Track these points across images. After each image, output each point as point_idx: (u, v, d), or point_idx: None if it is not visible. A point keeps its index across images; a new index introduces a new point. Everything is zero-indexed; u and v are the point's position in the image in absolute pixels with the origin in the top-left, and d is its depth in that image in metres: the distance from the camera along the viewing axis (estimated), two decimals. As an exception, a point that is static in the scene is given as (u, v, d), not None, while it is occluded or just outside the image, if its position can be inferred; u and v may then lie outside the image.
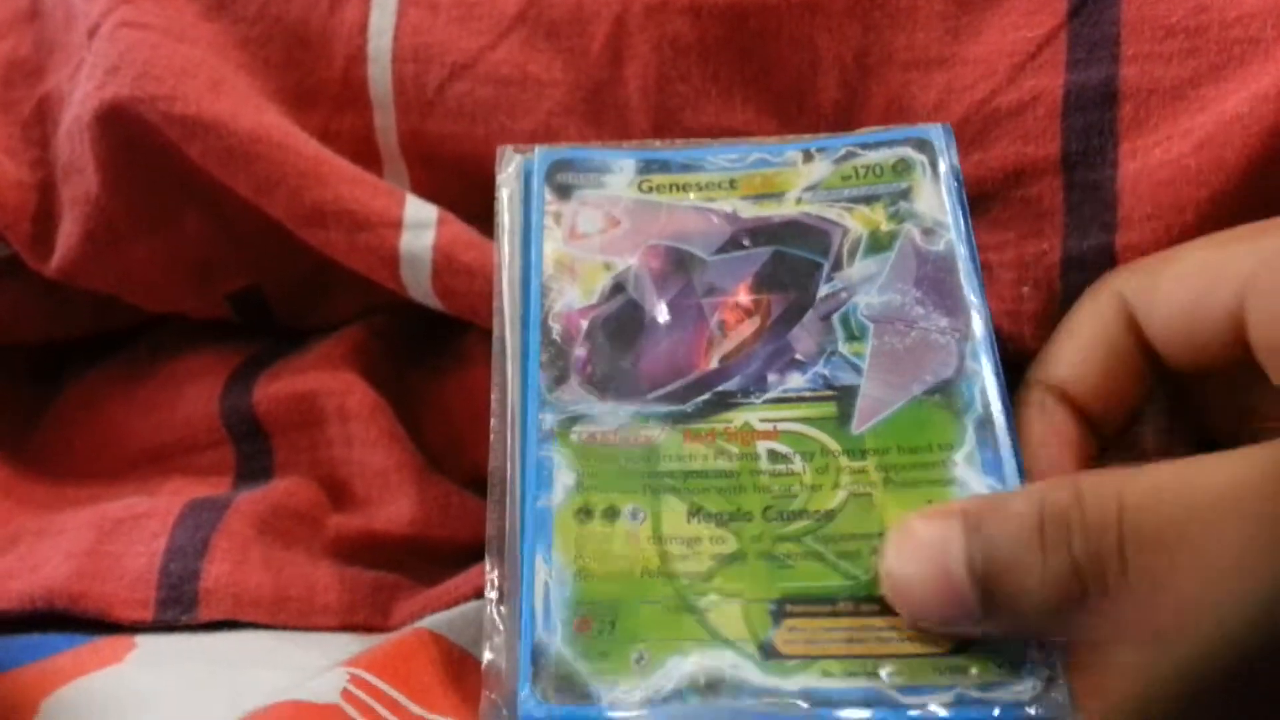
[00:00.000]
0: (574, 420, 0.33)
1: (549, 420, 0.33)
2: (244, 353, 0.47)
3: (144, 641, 0.37)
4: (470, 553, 0.36)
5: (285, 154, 0.41)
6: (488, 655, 0.31)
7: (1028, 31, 0.38)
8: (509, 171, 0.38)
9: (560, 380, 0.34)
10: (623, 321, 0.35)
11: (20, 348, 0.49)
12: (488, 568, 0.32)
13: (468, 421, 0.42)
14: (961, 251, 0.35)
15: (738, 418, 0.33)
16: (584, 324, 0.35)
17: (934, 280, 0.35)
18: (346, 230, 0.41)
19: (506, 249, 0.37)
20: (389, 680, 0.32)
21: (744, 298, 0.36)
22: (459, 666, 0.34)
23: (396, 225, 0.41)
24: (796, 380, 0.34)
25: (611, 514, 0.32)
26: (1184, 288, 0.31)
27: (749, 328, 0.35)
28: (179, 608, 0.38)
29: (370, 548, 0.41)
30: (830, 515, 0.32)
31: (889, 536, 0.30)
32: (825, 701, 0.29)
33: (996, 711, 0.28)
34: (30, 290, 0.47)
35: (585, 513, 0.32)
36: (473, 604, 0.36)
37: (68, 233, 0.44)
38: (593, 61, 0.41)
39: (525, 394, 0.34)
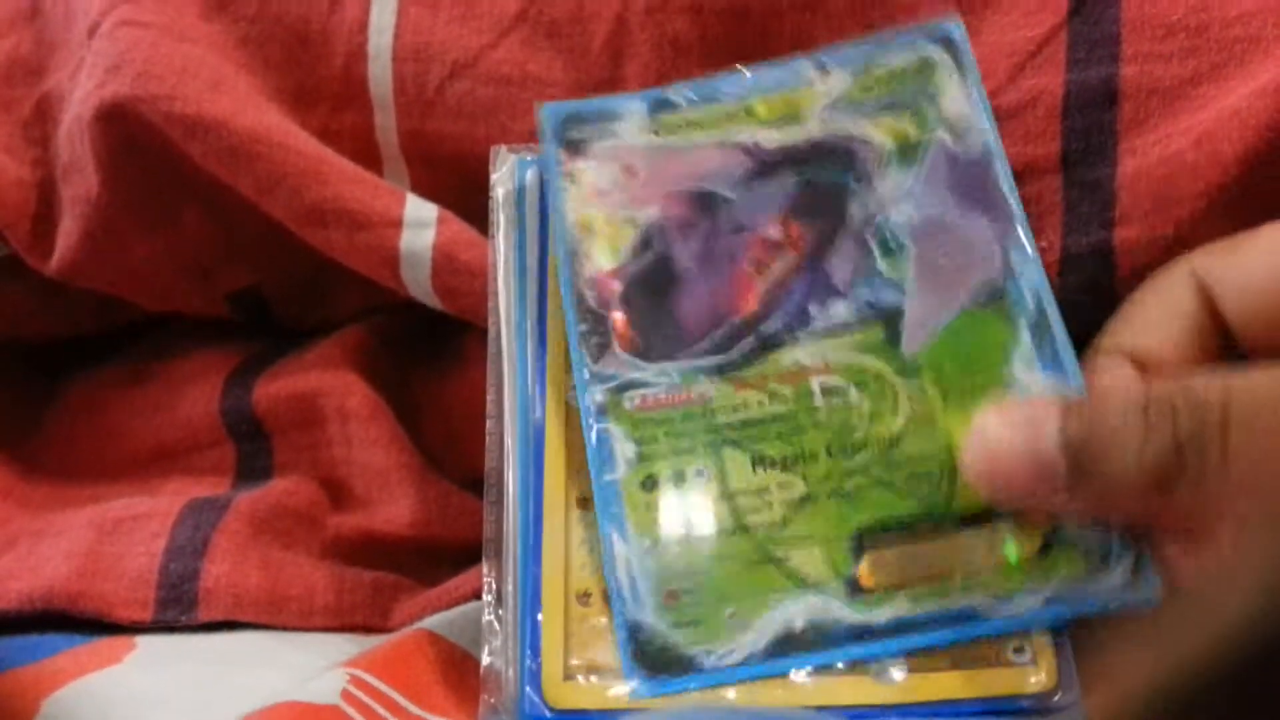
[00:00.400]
0: (624, 389, 0.33)
1: (599, 394, 0.33)
2: (244, 352, 0.47)
3: (143, 642, 0.37)
4: (470, 553, 0.36)
5: (285, 153, 0.41)
6: (486, 658, 0.31)
7: (1028, 31, 0.37)
8: (503, 171, 0.38)
9: (603, 349, 0.33)
10: (656, 277, 0.34)
11: (20, 347, 0.49)
12: (485, 570, 0.32)
13: (467, 421, 0.42)
14: (995, 148, 0.35)
15: (786, 357, 0.33)
16: (617, 286, 0.34)
17: (969, 183, 0.34)
18: (347, 229, 0.41)
19: (502, 248, 0.37)
20: (388, 681, 0.32)
21: (775, 231, 0.35)
22: (459, 668, 0.34)
23: (397, 224, 0.41)
24: (840, 309, 0.33)
25: (678, 479, 0.32)
26: (1264, 264, 0.31)
27: (785, 263, 0.34)
28: (179, 608, 0.38)
29: (370, 548, 0.41)
30: (894, 441, 0.31)
31: (976, 419, 0.30)
32: (914, 626, 0.29)
33: (1091, 603, 0.29)
34: (30, 290, 0.47)
35: (651, 482, 0.32)
36: (472, 604, 0.36)
37: (67, 232, 0.44)
38: (593, 61, 0.41)
39: (520, 392, 0.34)
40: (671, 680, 0.29)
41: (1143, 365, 0.32)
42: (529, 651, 0.30)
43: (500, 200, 0.38)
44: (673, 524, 0.31)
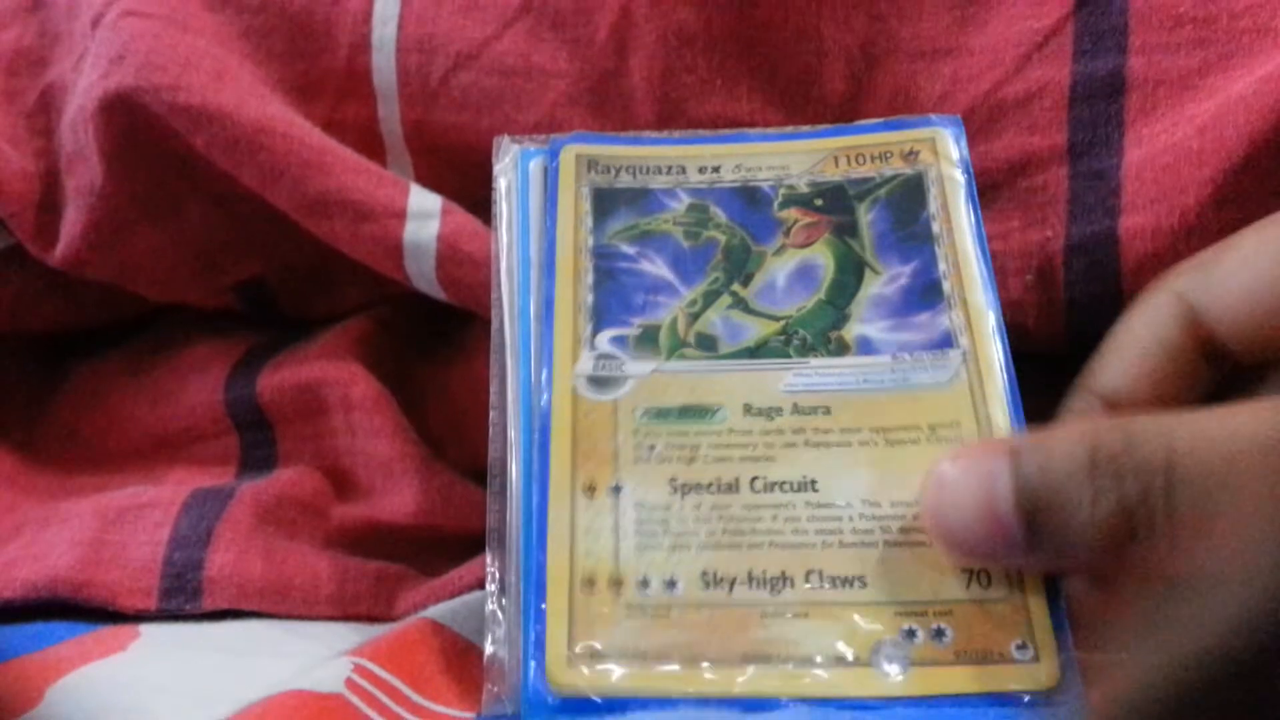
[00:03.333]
0: None
1: None
2: (248, 343, 0.47)
3: (148, 631, 0.37)
4: (473, 543, 0.36)
5: (289, 144, 0.41)
6: (489, 648, 0.31)
7: (1035, 21, 0.37)
8: (506, 161, 0.38)
9: None
10: None
11: (25, 338, 0.49)
12: (488, 559, 0.32)
13: (471, 411, 0.42)
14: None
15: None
16: None
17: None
18: (351, 220, 0.41)
19: (505, 239, 0.37)
20: (392, 670, 0.32)
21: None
22: (463, 657, 0.34)
23: (401, 215, 0.41)
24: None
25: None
26: (1246, 269, 0.30)
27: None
28: (182, 597, 0.38)
29: (373, 538, 0.41)
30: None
31: (930, 472, 0.30)
32: None
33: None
34: (34, 280, 0.47)
35: None
36: (476, 594, 0.36)
37: (72, 222, 0.44)
38: (598, 52, 0.41)
39: (524, 383, 0.34)
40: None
41: (1115, 406, 0.32)
42: (533, 640, 0.30)
43: (503, 191, 0.38)
44: None
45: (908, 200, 0.36)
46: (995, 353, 0.33)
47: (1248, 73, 0.34)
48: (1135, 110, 0.36)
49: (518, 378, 0.34)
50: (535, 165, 0.38)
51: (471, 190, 0.41)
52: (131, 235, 0.44)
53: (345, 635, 0.37)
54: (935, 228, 0.35)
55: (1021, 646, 0.29)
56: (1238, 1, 0.35)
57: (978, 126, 0.38)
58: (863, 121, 0.38)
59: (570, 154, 0.38)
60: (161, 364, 0.47)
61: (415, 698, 0.31)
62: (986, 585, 0.30)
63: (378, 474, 0.42)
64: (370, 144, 0.43)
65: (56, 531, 0.40)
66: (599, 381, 0.34)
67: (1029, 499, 0.28)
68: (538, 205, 0.37)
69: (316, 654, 0.34)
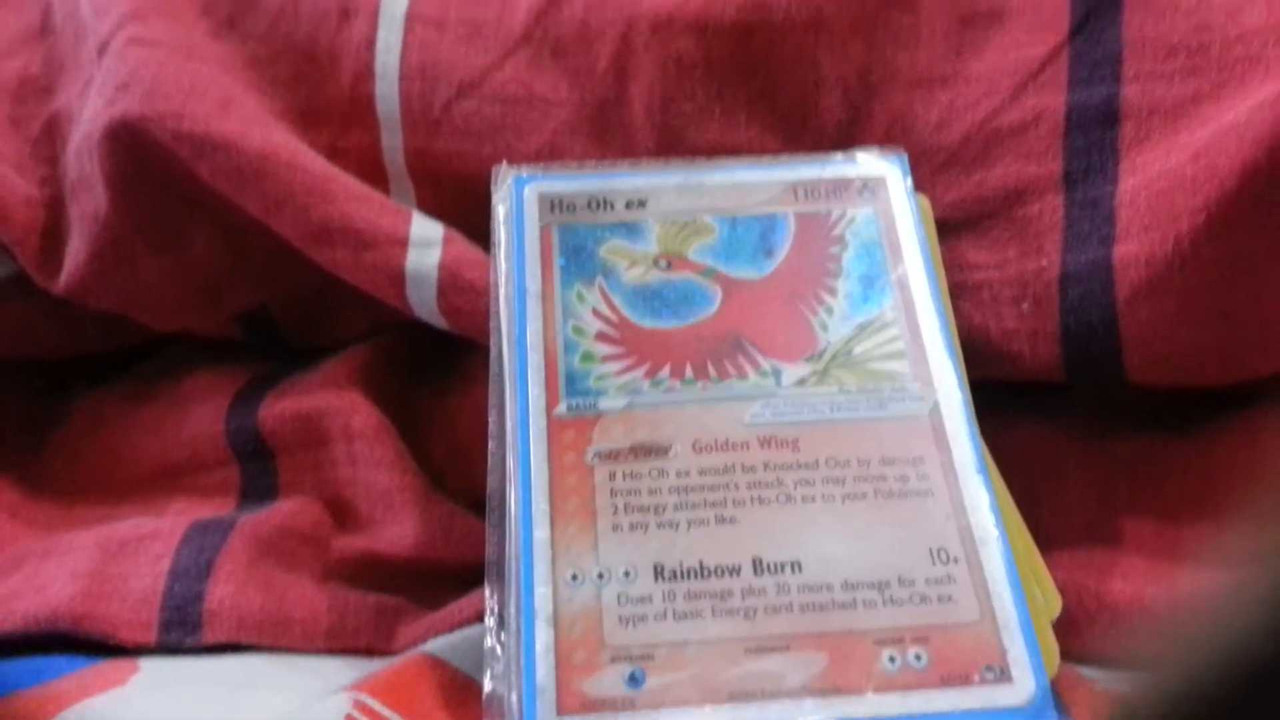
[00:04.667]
0: None
1: None
2: (249, 372, 0.47)
3: (147, 664, 0.37)
4: (473, 574, 0.36)
5: (293, 172, 0.41)
6: (488, 684, 0.31)
7: (1030, 50, 0.37)
8: (504, 189, 0.38)
9: None
10: None
11: (27, 365, 0.50)
12: (487, 593, 0.32)
13: (472, 440, 0.42)
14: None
15: None
16: None
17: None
18: (353, 248, 0.41)
19: (504, 266, 0.37)
20: (392, 705, 0.32)
21: None
22: (461, 693, 0.34)
23: (403, 243, 0.41)
24: None
25: None
26: None
27: None
28: (183, 630, 0.38)
29: (373, 570, 0.41)
30: None
31: None
32: None
33: None
34: (38, 308, 0.47)
35: None
36: (475, 628, 0.36)
37: (76, 250, 0.44)
38: (598, 80, 0.41)
39: (522, 413, 0.34)
40: None
41: None
42: (531, 676, 0.30)
43: (502, 218, 0.38)
44: None
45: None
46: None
47: (1241, 101, 0.34)
48: (1129, 138, 0.36)
49: (516, 407, 0.34)
50: (531, 191, 0.38)
51: (474, 218, 0.41)
52: (135, 263, 0.44)
53: (344, 670, 0.37)
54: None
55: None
56: (1230, 30, 0.35)
57: (974, 154, 0.38)
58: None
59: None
60: (163, 393, 0.47)
61: (415, 733, 0.32)
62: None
63: (378, 505, 0.42)
64: (373, 172, 0.43)
65: (58, 563, 0.40)
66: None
67: None
68: (535, 231, 0.37)
69: (315, 689, 0.34)
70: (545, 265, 0.37)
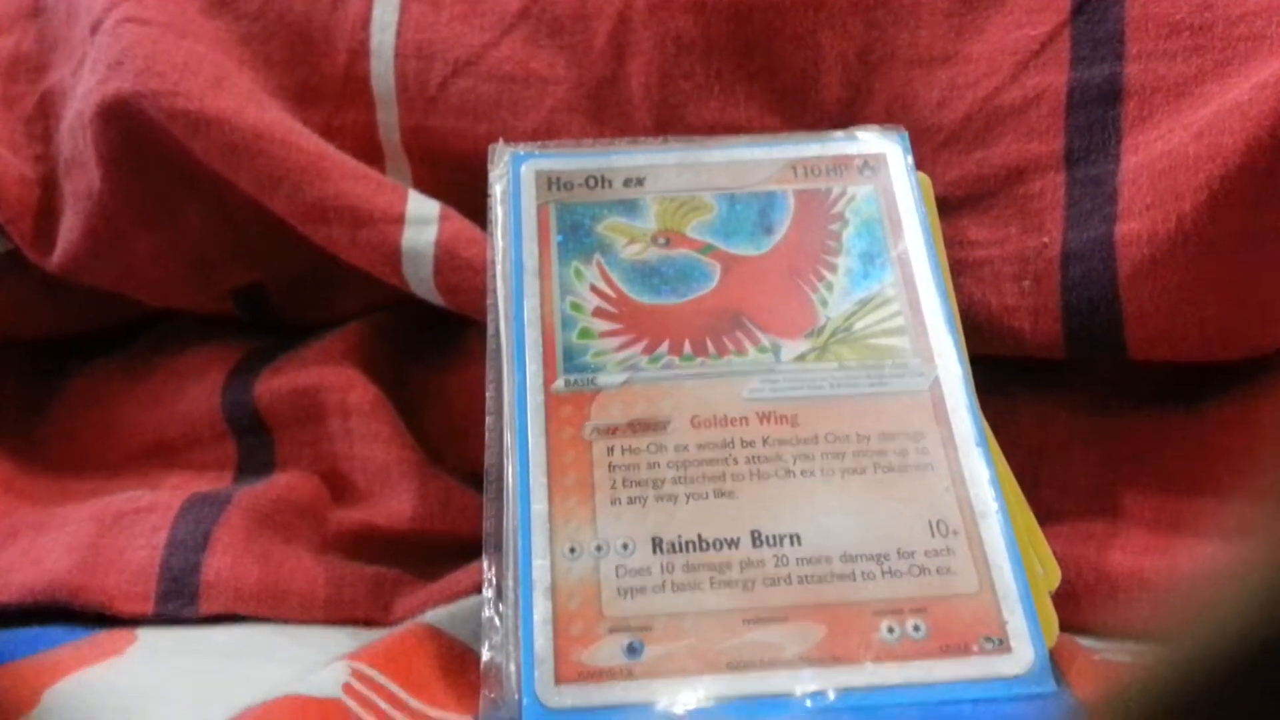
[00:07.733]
0: None
1: None
2: (246, 348, 0.47)
3: (144, 635, 0.36)
4: (470, 547, 0.36)
5: (288, 150, 0.41)
6: (486, 653, 0.31)
7: (1031, 29, 0.38)
8: (501, 167, 0.38)
9: None
10: None
11: (23, 343, 0.49)
12: (485, 565, 0.32)
13: (468, 415, 0.42)
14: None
15: None
16: None
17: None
18: (349, 226, 0.41)
19: (500, 243, 0.37)
20: (390, 675, 0.32)
21: None
22: (459, 662, 0.34)
23: (399, 221, 0.41)
24: None
25: None
26: None
27: None
28: (179, 601, 0.38)
29: (370, 542, 0.41)
30: None
31: None
32: None
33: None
34: (32, 286, 0.47)
35: None
36: (473, 599, 0.36)
37: (69, 228, 0.44)
38: (595, 58, 0.41)
39: (520, 388, 0.34)
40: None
41: None
42: (529, 646, 0.30)
43: (499, 196, 0.38)
44: None
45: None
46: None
47: (1244, 79, 0.34)
48: (1132, 117, 0.36)
49: (514, 382, 0.34)
50: (528, 169, 0.38)
51: (470, 196, 0.41)
52: (129, 241, 0.44)
53: (341, 640, 0.37)
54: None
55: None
56: (1234, 9, 0.35)
57: (975, 133, 0.38)
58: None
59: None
60: (158, 369, 0.47)
61: (412, 702, 0.31)
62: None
63: (375, 479, 0.42)
64: (369, 150, 0.43)
65: (53, 536, 0.40)
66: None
67: None
68: (532, 209, 0.37)
69: (313, 658, 0.34)
70: (542, 242, 0.37)
